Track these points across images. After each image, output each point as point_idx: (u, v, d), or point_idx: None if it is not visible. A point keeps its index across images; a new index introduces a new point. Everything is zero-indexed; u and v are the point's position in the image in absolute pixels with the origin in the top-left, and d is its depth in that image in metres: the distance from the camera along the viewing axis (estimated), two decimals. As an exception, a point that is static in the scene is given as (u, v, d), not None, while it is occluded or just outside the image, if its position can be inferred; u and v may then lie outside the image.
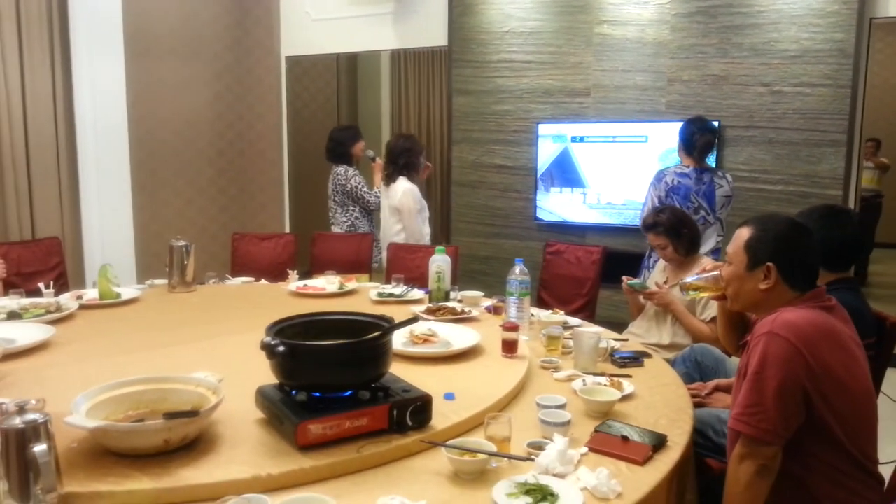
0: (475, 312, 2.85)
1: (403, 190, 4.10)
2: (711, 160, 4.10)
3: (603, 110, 5.14)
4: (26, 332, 2.38)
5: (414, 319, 1.73)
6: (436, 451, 1.62)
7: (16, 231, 4.60)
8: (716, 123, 3.91)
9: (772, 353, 1.64)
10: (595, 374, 2.20)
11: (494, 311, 2.93)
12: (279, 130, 6.35)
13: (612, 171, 5.11)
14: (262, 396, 1.70)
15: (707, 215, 3.69)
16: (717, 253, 3.70)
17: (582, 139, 5.21)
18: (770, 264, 1.78)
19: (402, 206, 4.12)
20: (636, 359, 2.40)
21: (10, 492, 1.30)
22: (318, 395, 1.63)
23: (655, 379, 2.24)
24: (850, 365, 1.70)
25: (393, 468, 1.58)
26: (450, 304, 2.93)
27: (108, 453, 1.51)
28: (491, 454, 1.56)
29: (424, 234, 4.23)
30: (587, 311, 3.85)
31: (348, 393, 1.66)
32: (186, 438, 1.54)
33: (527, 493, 1.45)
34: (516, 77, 5.46)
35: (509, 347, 2.29)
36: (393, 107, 7.10)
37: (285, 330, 1.71)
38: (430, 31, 5.82)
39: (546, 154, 5.32)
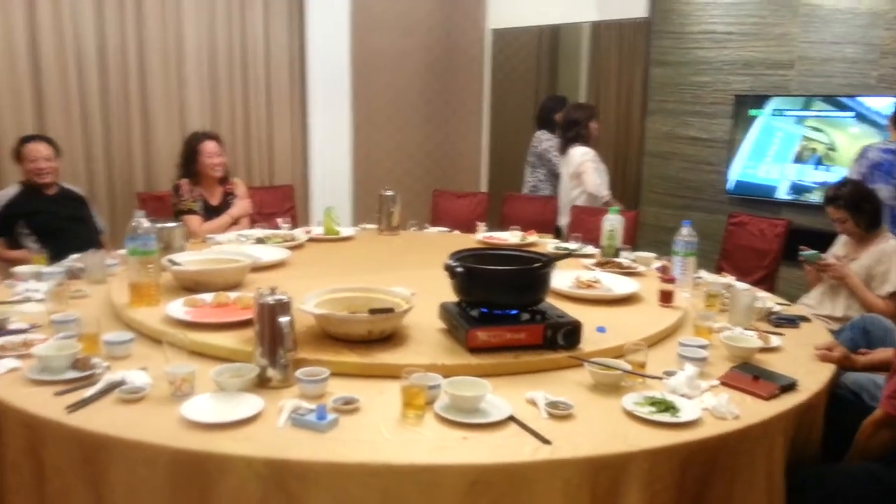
0: (642, 268, 3.07)
1: (581, 153, 4.42)
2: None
3: (807, 84, 4.98)
4: (269, 253, 3.02)
5: (568, 255, 2.04)
6: (581, 368, 1.92)
7: (257, 179, 5.44)
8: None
9: None
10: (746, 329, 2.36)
11: (662, 271, 3.12)
12: (480, 99, 6.77)
13: (813, 147, 4.96)
14: (444, 309, 2.11)
15: None
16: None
17: (782, 113, 5.09)
18: None
19: (581, 167, 4.42)
20: (792, 321, 2.51)
21: (263, 353, 1.80)
22: (486, 310, 2.00)
23: (807, 338, 2.35)
24: None
25: (542, 375, 1.92)
26: (618, 260, 3.17)
27: (327, 337, 2.00)
28: (626, 371, 1.85)
29: (603, 194, 4.45)
30: (767, 284, 3.88)
31: (512, 312, 2.01)
32: (384, 332, 1.99)
33: (652, 404, 1.72)
34: (717, 48, 5.41)
35: (666, 297, 2.52)
36: (590, 78, 7.26)
37: (466, 257, 2.09)
38: (631, 3, 5.90)
39: (744, 127, 5.26)
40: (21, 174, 3.70)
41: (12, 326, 2.20)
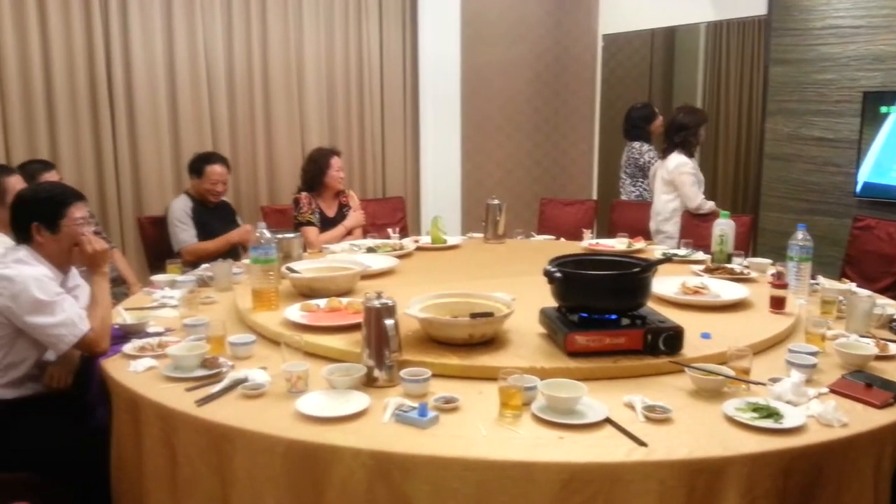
0: (755, 275, 2.98)
1: (676, 163, 4.27)
2: None
3: (945, 76, 4.65)
4: (378, 261, 3.16)
5: (666, 259, 2.04)
6: (681, 374, 1.91)
7: (370, 192, 5.66)
8: None
9: None
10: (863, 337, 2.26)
11: (777, 277, 3.02)
12: (592, 106, 6.73)
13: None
14: (544, 315, 2.16)
15: None
16: None
17: (916, 109, 4.77)
18: None
19: (675, 178, 4.27)
20: (918, 328, 2.38)
21: (370, 355, 1.92)
22: (585, 315, 2.03)
23: (934, 347, 2.22)
24: None
25: (642, 380, 1.92)
26: (729, 266, 3.09)
27: (430, 340, 2.10)
28: (729, 377, 1.82)
29: (704, 209, 4.28)
30: (895, 291, 3.66)
31: (612, 317, 2.03)
32: (485, 336, 2.06)
33: (754, 410, 1.69)
34: (842, 44, 5.14)
35: (777, 304, 2.45)
36: (706, 79, 7.05)
37: (565, 263, 2.12)
38: (749, 1, 5.73)
39: (874, 126, 4.96)
40: (193, 187, 3.99)
41: (150, 329, 2.44)
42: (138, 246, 4.31)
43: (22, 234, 2.29)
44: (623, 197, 4.94)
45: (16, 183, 2.82)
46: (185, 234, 3.86)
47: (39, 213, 2.27)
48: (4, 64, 4.02)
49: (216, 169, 3.90)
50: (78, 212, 2.32)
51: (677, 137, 4.34)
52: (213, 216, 3.97)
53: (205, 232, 3.88)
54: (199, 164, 3.92)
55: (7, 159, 4.00)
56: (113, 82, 4.38)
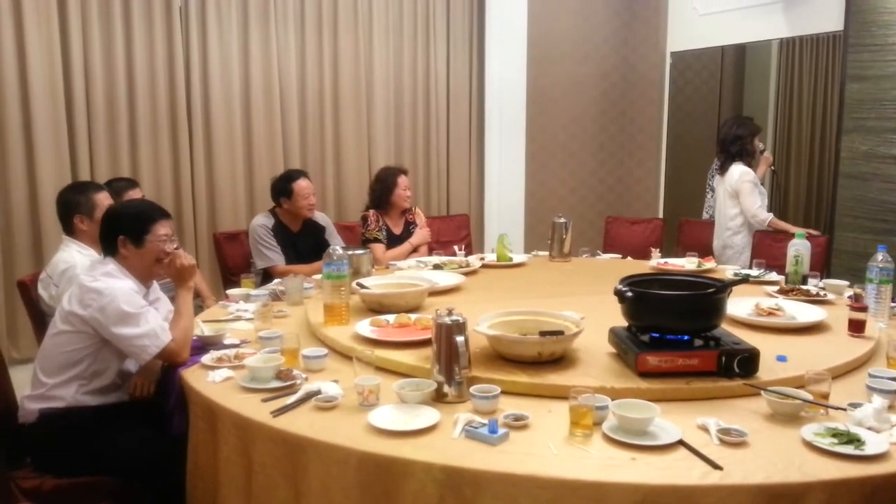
0: (832, 297, 2.90)
1: (740, 172, 4.25)
2: None
3: None
4: (445, 278, 3.20)
5: (742, 280, 2.00)
6: (756, 397, 1.87)
7: (435, 209, 5.71)
8: None
9: None
10: (951, 362, 2.17)
11: (855, 299, 2.92)
12: (659, 124, 6.65)
13: None
14: (613, 334, 2.14)
15: None
16: None
17: None
18: None
19: (739, 187, 4.25)
20: None
21: (440, 370, 1.94)
22: (657, 336, 2.01)
23: None
24: None
25: (715, 403, 1.89)
26: (805, 287, 3.01)
27: (499, 358, 2.11)
28: (807, 401, 1.78)
29: (763, 217, 4.24)
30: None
31: (684, 337, 2.00)
32: (554, 354, 2.06)
33: (833, 435, 1.65)
34: (924, 59, 4.97)
35: (856, 327, 2.37)
36: (777, 97, 6.89)
37: (636, 282, 2.11)
38: (824, 16, 5.58)
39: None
40: (285, 210, 3.87)
41: (227, 341, 2.52)
42: (212, 260, 4.46)
43: (108, 247, 2.40)
44: (705, 214, 4.88)
45: (103, 199, 2.97)
46: (271, 252, 3.78)
47: (126, 228, 2.38)
48: (92, 87, 4.25)
49: (302, 184, 3.84)
50: (162, 229, 2.42)
51: (734, 148, 4.34)
52: (294, 240, 3.90)
53: (285, 256, 3.82)
54: (284, 185, 3.84)
55: (92, 176, 4.21)
56: (192, 102, 4.57)
